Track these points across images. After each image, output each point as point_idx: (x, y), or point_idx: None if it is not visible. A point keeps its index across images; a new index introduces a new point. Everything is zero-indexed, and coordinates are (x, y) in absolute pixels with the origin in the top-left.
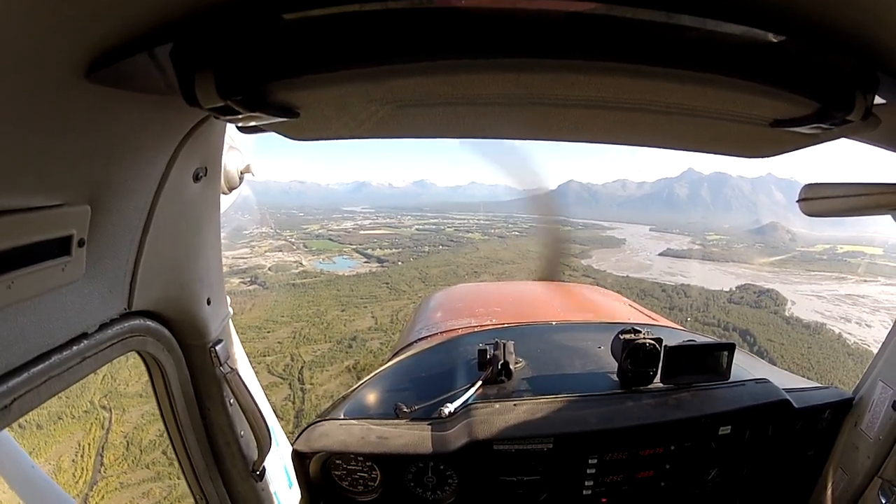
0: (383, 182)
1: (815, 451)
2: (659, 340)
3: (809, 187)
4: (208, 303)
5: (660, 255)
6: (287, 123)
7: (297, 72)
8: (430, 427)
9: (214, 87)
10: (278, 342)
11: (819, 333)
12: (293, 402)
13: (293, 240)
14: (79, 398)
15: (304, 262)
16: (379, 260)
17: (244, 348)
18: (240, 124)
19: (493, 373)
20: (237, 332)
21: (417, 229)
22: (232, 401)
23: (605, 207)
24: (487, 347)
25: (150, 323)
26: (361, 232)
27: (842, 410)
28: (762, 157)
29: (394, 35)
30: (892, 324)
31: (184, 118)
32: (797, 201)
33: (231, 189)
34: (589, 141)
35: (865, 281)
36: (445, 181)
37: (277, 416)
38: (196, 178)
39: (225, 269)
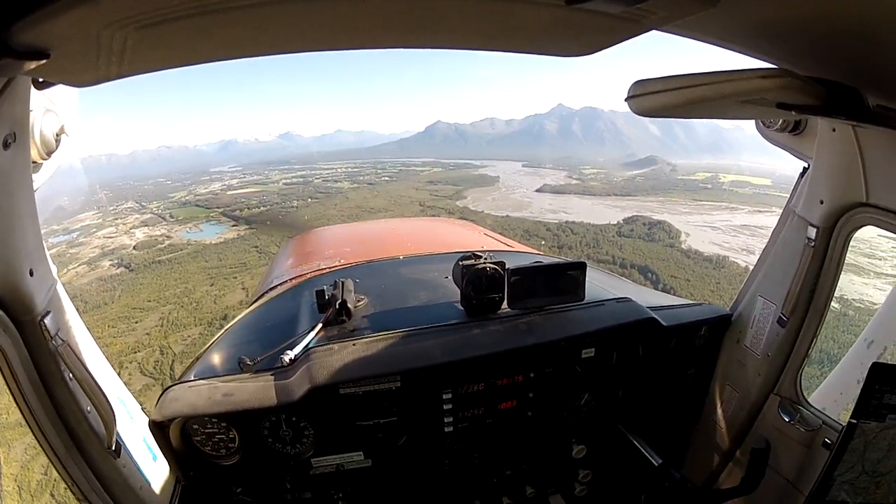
0: (249, 138)
1: (695, 369)
2: (501, 264)
3: (640, 83)
4: (31, 274)
5: (537, 191)
6: (54, 67)
7: (21, 11)
8: (273, 377)
9: None
10: (146, 333)
11: (724, 267)
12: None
13: (159, 211)
14: None
15: (170, 235)
16: (247, 221)
17: (116, 344)
18: (5, 75)
19: (332, 313)
20: (109, 325)
21: (285, 184)
22: (71, 376)
23: (474, 146)
24: (326, 288)
25: None
26: (229, 193)
27: (720, 327)
28: (582, 53)
29: None
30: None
31: None
32: (626, 100)
33: (49, 153)
34: (359, 44)
35: (760, 211)
36: (311, 131)
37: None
38: (6, 145)
39: (97, 251)
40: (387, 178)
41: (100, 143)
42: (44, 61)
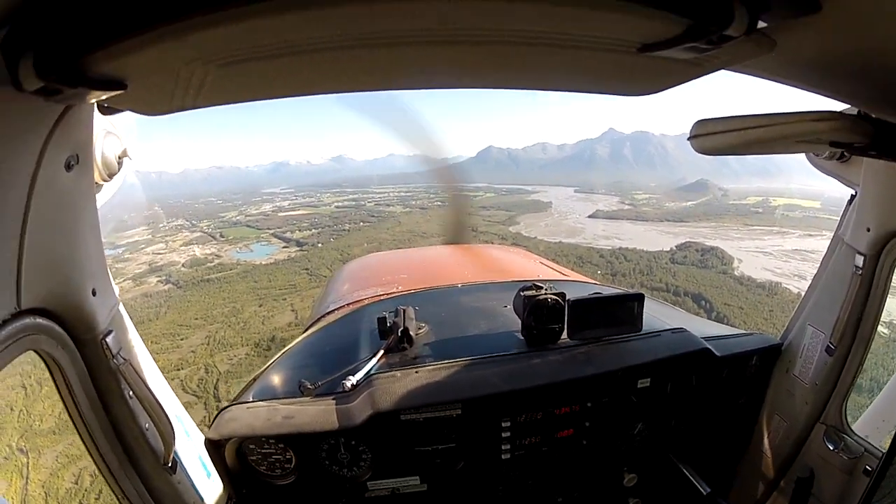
0: (301, 160)
1: (745, 399)
2: (562, 295)
3: (701, 123)
4: (94, 293)
5: (590, 217)
6: (128, 97)
7: (102, 42)
8: (334, 402)
9: (33, 69)
10: (192, 351)
11: (777, 293)
12: (209, 427)
13: (209, 230)
14: None
15: (220, 254)
16: (298, 243)
17: (159, 360)
18: (81, 102)
19: (394, 340)
20: (152, 341)
21: (337, 206)
22: (131, 393)
23: (526, 171)
24: (387, 315)
25: (40, 320)
26: (280, 214)
27: (770, 357)
28: (644, 93)
29: None
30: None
31: (47, 107)
32: (689, 139)
33: (111, 175)
34: (434, 85)
35: (810, 235)
36: (363, 155)
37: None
38: (68, 167)
39: (145, 266)
40: (439, 203)
41: (151, 160)
42: (119, 92)
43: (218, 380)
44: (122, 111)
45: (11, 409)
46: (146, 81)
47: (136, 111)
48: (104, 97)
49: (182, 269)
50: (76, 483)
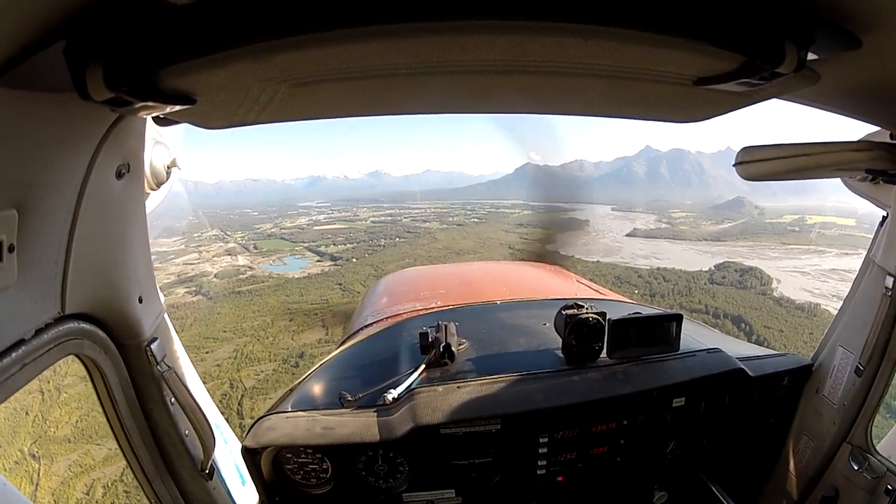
0: (338, 175)
1: (776, 418)
2: (602, 314)
3: (746, 150)
4: (140, 301)
5: (627, 235)
6: (192, 111)
7: (180, 57)
8: (375, 414)
9: (102, 80)
10: (217, 364)
11: (816, 315)
12: (245, 435)
13: (243, 241)
14: (10, 445)
15: (253, 266)
16: (332, 257)
17: None
18: (145, 114)
19: (435, 356)
20: None
21: (373, 221)
22: (173, 400)
23: (563, 189)
24: (429, 330)
25: (84, 325)
26: (316, 228)
27: (801, 377)
28: (693, 120)
29: (271, 9)
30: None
31: (101, 115)
32: (734, 165)
33: (159, 185)
34: (500, 110)
35: (846, 254)
36: (401, 170)
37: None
38: (119, 175)
39: (172, 277)
40: (476, 220)
41: (188, 170)
42: (187, 107)
43: (243, 396)
44: (178, 123)
45: (27, 414)
46: (215, 97)
47: (195, 124)
48: (170, 110)
49: (214, 279)
50: (88, 494)
